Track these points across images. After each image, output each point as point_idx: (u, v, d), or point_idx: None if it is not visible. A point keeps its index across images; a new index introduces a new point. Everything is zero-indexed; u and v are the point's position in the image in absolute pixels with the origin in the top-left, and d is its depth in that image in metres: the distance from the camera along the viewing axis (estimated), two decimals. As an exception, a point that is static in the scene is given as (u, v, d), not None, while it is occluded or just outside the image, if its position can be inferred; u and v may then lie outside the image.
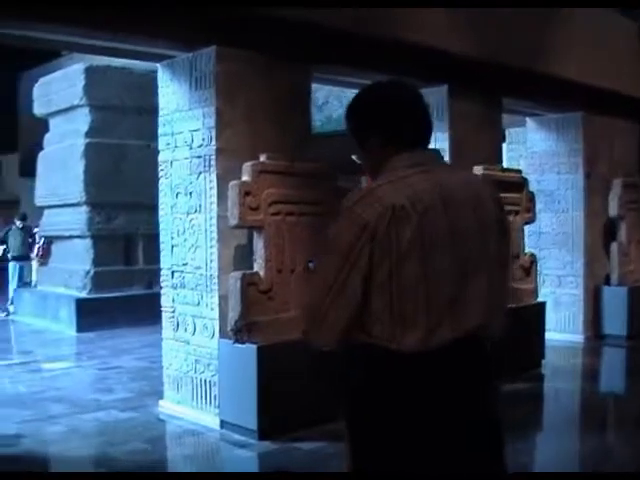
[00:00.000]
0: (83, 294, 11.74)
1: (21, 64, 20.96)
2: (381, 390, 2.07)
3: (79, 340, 10.80)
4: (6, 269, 14.04)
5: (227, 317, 5.82)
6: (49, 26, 5.60)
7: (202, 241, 6.16)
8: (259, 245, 5.95)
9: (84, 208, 11.91)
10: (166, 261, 6.55)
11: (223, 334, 5.92)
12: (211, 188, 6.06)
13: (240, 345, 5.72)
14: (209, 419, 6.07)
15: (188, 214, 6.28)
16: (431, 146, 2.28)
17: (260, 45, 6.12)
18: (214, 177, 6.03)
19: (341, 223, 2.07)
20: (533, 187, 9.08)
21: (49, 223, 12.86)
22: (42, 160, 13.10)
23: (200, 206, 6.16)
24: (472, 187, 2.18)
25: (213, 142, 6.04)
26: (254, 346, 5.65)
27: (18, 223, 14.07)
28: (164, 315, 6.57)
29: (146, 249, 12.04)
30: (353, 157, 2.30)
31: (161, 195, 6.62)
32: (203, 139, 6.12)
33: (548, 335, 8.75)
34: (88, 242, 11.96)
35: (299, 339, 2.24)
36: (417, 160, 2.14)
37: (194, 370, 6.24)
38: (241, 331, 5.70)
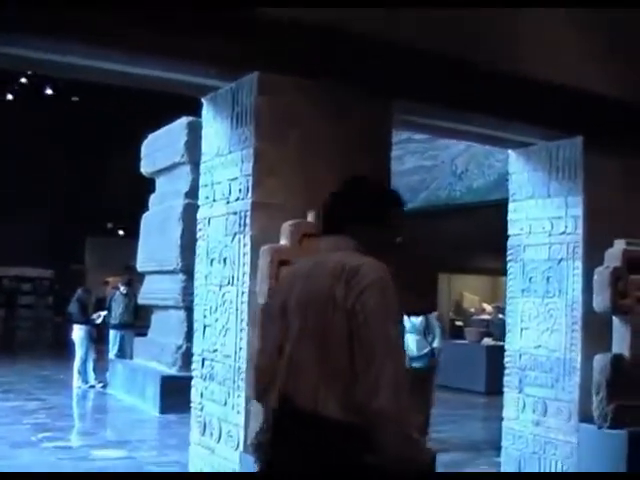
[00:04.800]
0: (173, 371, 10.56)
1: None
2: None
3: (158, 423, 9.58)
4: (108, 337, 13.15)
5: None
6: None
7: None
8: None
9: (180, 276, 10.80)
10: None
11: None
12: (245, 254, 4.64)
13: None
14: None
15: (221, 287, 4.89)
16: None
17: (317, 70, 4.71)
18: (248, 240, 4.62)
19: None
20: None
21: (148, 290, 11.86)
22: (144, 222, 12.22)
23: (232, 277, 4.75)
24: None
25: (249, 194, 4.64)
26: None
27: (122, 289, 13.16)
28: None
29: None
30: None
31: (197, 261, 5.30)
32: (240, 190, 4.73)
33: None
34: (182, 314, 10.79)
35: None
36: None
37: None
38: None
